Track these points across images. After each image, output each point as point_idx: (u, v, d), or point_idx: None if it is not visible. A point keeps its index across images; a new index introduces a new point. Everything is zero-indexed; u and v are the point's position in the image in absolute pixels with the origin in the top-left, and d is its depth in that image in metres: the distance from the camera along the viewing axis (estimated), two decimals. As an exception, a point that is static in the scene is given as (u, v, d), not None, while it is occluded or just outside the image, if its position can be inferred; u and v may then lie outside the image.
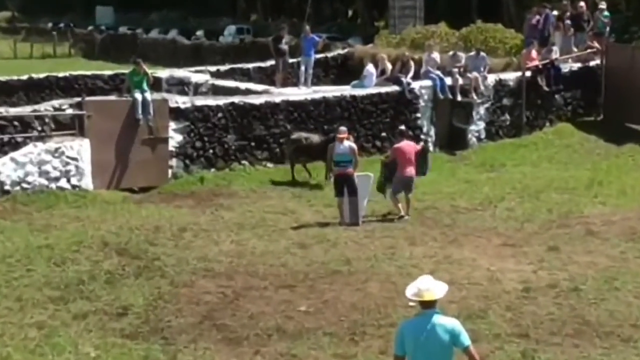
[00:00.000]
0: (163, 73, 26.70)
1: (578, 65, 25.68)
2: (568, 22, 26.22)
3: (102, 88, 26.48)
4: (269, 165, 20.35)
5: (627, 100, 24.16)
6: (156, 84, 22.43)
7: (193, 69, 28.57)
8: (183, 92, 23.99)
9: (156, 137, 18.76)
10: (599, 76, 25.45)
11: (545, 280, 12.53)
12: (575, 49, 26.04)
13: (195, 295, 11.86)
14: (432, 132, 22.88)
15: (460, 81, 23.24)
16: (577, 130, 24.58)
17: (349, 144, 16.04)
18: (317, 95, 21.70)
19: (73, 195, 17.31)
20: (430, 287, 7.05)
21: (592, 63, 25.72)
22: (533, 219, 16.24)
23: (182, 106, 19.38)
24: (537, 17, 26.37)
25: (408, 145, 16.65)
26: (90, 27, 70.81)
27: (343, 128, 16.74)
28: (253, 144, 20.25)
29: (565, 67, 25.38)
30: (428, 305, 7.04)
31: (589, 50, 25.86)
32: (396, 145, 16.70)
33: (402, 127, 18.40)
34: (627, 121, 24.59)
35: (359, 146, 21.07)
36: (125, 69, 26.68)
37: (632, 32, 33.83)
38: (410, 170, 16.25)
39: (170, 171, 19.07)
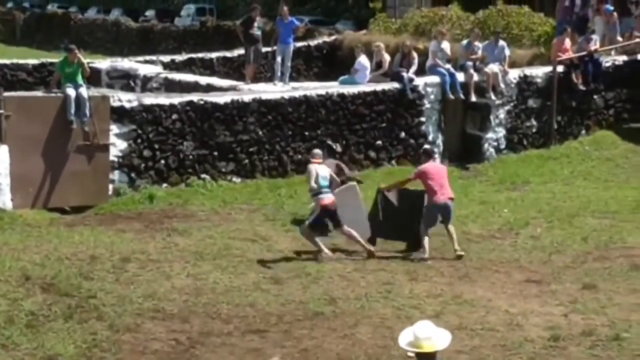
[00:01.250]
0: (103, 63, 26.75)
1: (623, 58, 25.94)
2: (608, 7, 26.40)
3: (25, 81, 26.56)
4: (236, 179, 20.43)
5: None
6: (94, 77, 22.51)
7: (141, 58, 28.66)
8: (128, 88, 24.08)
9: (94, 143, 18.70)
10: (649, 72, 25.72)
11: (578, 326, 12.62)
12: (620, 38, 26.29)
13: (140, 342, 11.88)
14: (440, 141, 23.05)
15: (476, 77, 23.45)
16: (620, 139, 24.79)
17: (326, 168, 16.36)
18: (297, 94, 21.81)
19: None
20: (430, 335, 7.03)
21: (640, 56, 26.01)
22: (564, 250, 16.37)
23: (127, 105, 19.42)
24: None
25: (436, 167, 16.82)
26: (9, 4, 70.86)
27: (318, 151, 16.93)
28: (216, 153, 20.32)
29: (607, 61, 25.62)
30: (427, 359, 7.05)
31: (637, 40, 26.10)
32: (420, 168, 16.60)
33: (427, 147, 18.44)
34: (683, 128, 24.82)
35: (348, 157, 21.40)
36: (54, 58, 26.85)
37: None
38: (445, 193, 16.19)
39: (111, 187, 19.04)
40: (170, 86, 24.54)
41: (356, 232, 16.06)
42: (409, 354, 11.34)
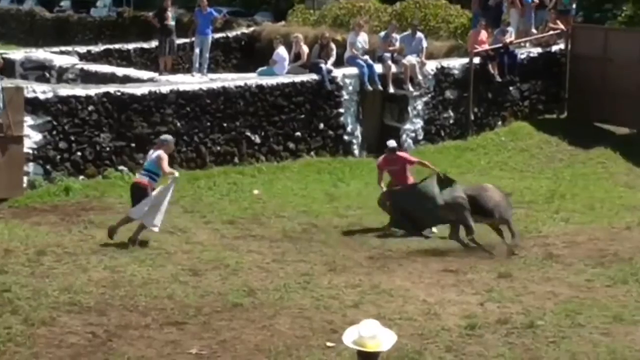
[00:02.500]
0: (17, 54, 26.39)
1: (538, 50, 26.29)
2: (527, -3, 26.79)
3: None
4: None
5: (596, 95, 24.80)
6: (8, 68, 22.34)
7: (56, 49, 28.30)
8: (44, 80, 23.79)
9: (7, 135, 18.38)
10: (563, 64, 26.10)
11: (494, 314, 12.78)
12: (534, 31, 26.64)
13: (56, 336, 11.74)
14: (358, 132, 23.16)
15: (394, 69, 23.59)
16: (535, 130, 25.15)
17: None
18: (216, 85, 21.74)
19: None
20: (376, 334, 6.78)
21: (554, 48, 26.37)
22: (480, 239, 16.56)
23: (42, 97, 19.17)
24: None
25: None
26: None
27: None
28: (133, 145, 20.16)
29: (522, 53, 25.95)
30: (369, 359, 6.79)
31: (551, 32, 26.46)
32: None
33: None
34: (597, 120, 25.24)
35: (267, 148, 21.42)
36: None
37: (605, 10, 34.75)
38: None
39: (25, 179, 18.82)
40: (87, 77, 24.29)
41: None
42: (328, 343, 11.52)
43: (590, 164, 23.02)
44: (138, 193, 15.87)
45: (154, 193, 15.82)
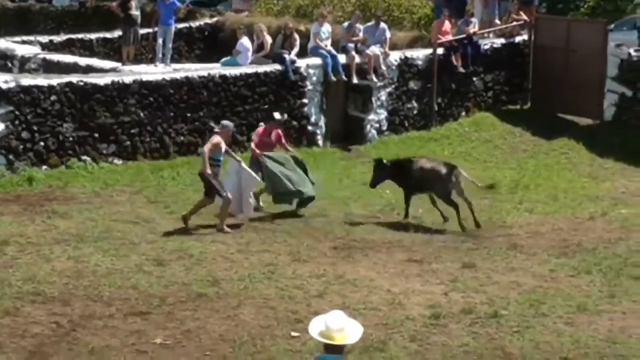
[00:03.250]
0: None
1: (501, 41, 26.42)
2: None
3: None
4: (117, 162, 20.21)
5: (559, 86, 24.99)
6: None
7: (18, 38, 28.09)
8: (6, 69, 23.62)
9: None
10: (527, 55, 26.25)
11: (458, 304, 12.89)
12: (498, 22, 26.77)
13: (20, 326, 11.71)
14: (322, 122, 23.18)
15: (357, 59, 23.61)
16: (499, 121, 25.29)
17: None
18: (179, 75, 21.67)
19: None
20: (344, 326, 6.75)
21: (518, 39, 26.51)
22: (444, 230, 16.66)
23: (4, 86, 18.97)
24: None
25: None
26: None
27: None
28: (96, 135, 20.06)
29: (486, 44, 26.06)
30: (335, 351, 6.74)
31: (514, 23, 26.60)
32: None
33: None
34: (560, 111, 25.44)
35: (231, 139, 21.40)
36: None
37: (568, 1, 34.93)
38: None
39: None
40: (49, 67, 24.13)
41: None
42: (293, 333, 11.55)
43: (553, 155, 23.19)
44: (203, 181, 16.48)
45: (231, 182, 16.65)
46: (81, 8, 45.48)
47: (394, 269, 14.45)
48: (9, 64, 24.59)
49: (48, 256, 14.29)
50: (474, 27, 25.38)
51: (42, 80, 19.85)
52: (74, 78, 20.25)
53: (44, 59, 24.83)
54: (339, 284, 13.60)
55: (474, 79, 25.58)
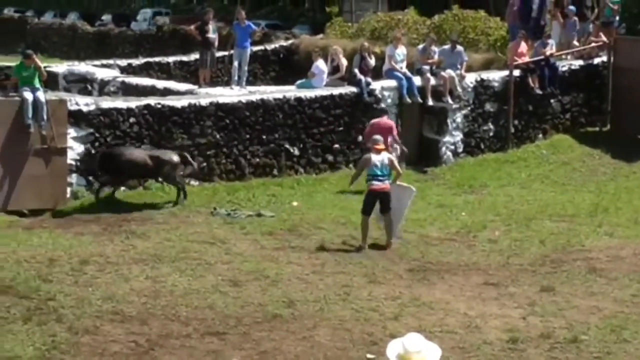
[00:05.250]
0: (60, 67, 26.65)
1: (579, 62, 26.18)
2: (571, 7, 26.61)
3: None
4: (194, 183, 20.41)
5: (639, 107, 24.63)
6: (51, 81, 22.43)
7: (98, 62, 28.59)
8: (86, 92, 24.03)
9: (51, 147, 18.66)
10: (606, 77, 25.97)
11: (536, 328, 12.73)
12: (576, 43, 26.53)
13: (99, 344, 11.84)
14: (397, 145, 23.13)
15: (433, 81, 23.57)
16: (577, 143, 25.01)
17: (387, 155, 16.97)
18: (254, 97, 21.83)
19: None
20: (421, 349, 6.71)
21: (597, 60, 26.25)
22: (522, 253, 16.49)
23: (85, 109, 19.39)
24: (521, 1, 26.72)
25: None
26: (-37, 8, 70.16)
27: (379, 137, 17.44)
28: (173, 156, 20.29)
29: (564, 65, 25.85)
30: None
31: (593, 45, 26.36)
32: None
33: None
34: (640, 133, 25.09)
35: (305, 160, 21.51)
36: (11, 62, 26.76)
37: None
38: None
39: (69, 190, 19.05)
40: (128, 90, 24.52)
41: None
42: (368, 355, 11.52)
43: (634, 178, 22.81)
44: (386, 198, 16.61)
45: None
46: (158, 32, 46.29)
47: (470, 292, 14.34)
48: (89, 87, 25.01)
49: (127, 276, 14.46)
50: (551, 49, 25.19)
51: (120, 103, 20.18)
52: (151, 100, 20.54)
53: (122, 82, 25.27)
54: (415, 306, 13.53)
55: (551, 100, 25.35)
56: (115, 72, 26.73)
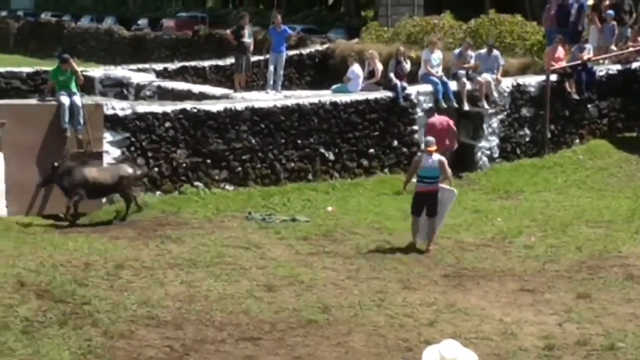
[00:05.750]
0: (96, 71, 26.83)
1: (617, 67, 26.00)
2: (609, 12, 26.45)
3: (19, 89, 26.68)
4: (228, 187, 20.48)
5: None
6: (88, 85, 22.65)
7: (134, 66, 28.75)
8: (122, 96, 24.24)
9: (87, 151, 18.87)
10: (643, 81, 25.79)
11: (573, 335, 12.67)
12: (614, 48, 26.37)
13: (134, 349, 11.90)
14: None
15: (469, 86, 23.52)
16: (614, 148, 24.84)
17: (438, 157, 16.99)
18: (290, 102, 21.87)
19: (-19, 224, 17.80)
20: (457, 356, 6.82)
21: (634, 65, 26.07)
22: (558, 259, 16.41)
23: (121, 113, 19.55)
24: (558, 5, 26.59)
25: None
26: (3, 13, 70.87)
27: (431, 139, 17.51)
28: (209, 161, 20.38)
29: (601, 70, 25.70)
30: None
31: (631, 49, 26.19)
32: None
33: None
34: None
35: (341, 165, 21.51)
36: (48, 66, 27.02)
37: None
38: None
39: None
40: (164, 94, 24.66)
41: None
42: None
43: (671, 183, 22.63)
44: (432, 202, 16.84)
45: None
46: (194, 36, 46.39)
47: (506, 298, 14.28)
48: (125, 92, 25.14)
49: (161, 280, 14.52)
50: (588, 53, 25.04)
51: (156, 107, 20.28)
52: (187, 105, 20.61)
53: (158, 87, 25.40)
54: (450, 312, 13.50)
55: (589, 105, 25.20)
56: (151, 77, 26.87)
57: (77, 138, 18.81)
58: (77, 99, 18.88)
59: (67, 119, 18.65)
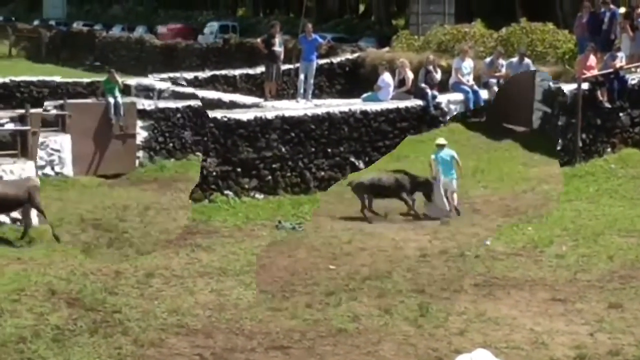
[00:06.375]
0: (132, 81, 28.97)
1: (649, 76, 25.85)
2: (640, 20, 26.35)
3: (81, 93, 29.67)
4: (258, 196, 20.52)
5: None
6: (126, 90, 27.09)
7: (165, 75, 29.08)
8: (149, 98, 27.16)
9: (126, 133, 24.16)
10: (676, 90, 25.60)
11: (604, 345, 12.61)
12: (646, 56, 26.22)
13: (164, 357, 11.96)
14: (464, 157, 23.08)
15: (500, 95, 23.50)
16: (646, 157, 24.69)
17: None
18: (320, 111, 21.92)
19: (56, 180, 22.14)
20: None
21: (667, 73, 25.90)
22: (589, 269, 16.31)
23: (148, 108, 24.61)
24: (590, 13, 26.48)
25: None
26: (36, 22, 71.38)
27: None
28: (239, 169, 20.44)
29: (633, 78, 25.55)
30: None
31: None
32: None
33: None
34: None
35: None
36: (80, 75, 28.30)
37: None
38: None
39: (137, 161, 24.16)
40: (177, 96, 27.07)
41: None
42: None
43: None
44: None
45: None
46: (225, 45, 46.51)
47: (537, 307, 14.21)
48: (151, 94, 27.74)
49: (191, 289, 14.58)
50: (620, 62, 24.89)
51: (171, 103, 25.25)
52: (218, 113, 20.84)
53: (172, 91, 27.77)
54: (480, 321, 13.46)
55: (620, 114, 25.02)
56: (168, 84, 28.46)
57: (119, 124, 24.14)
58: (119, 99, 24.35)
59: (112, 112, 24.08)
